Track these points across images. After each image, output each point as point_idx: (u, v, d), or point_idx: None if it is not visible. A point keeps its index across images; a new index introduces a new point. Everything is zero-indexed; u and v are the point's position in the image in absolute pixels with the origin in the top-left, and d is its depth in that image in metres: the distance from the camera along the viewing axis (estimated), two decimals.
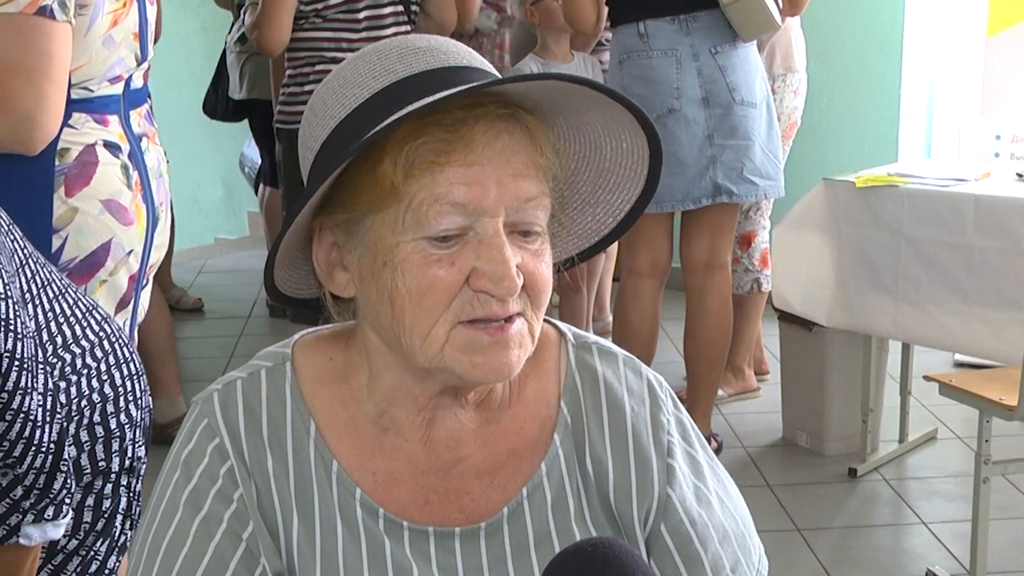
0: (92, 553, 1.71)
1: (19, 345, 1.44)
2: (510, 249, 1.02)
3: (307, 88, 3.56)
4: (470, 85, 1.01)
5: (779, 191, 3.48)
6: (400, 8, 3.61)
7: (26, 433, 1.46)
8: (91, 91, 2.06)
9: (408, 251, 1.02)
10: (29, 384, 1.46)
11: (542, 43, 4.00)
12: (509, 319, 1.04)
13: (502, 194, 1.02)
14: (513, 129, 1.03)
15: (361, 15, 3.55)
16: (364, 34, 3.55)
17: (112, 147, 2.08)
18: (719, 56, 3.29)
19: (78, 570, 1.71)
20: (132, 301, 2.16)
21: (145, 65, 2.20)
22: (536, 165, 1.05)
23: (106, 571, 1.74)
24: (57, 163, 1.99)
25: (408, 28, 3.62)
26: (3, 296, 1.43)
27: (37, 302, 1.59)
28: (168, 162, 2.29)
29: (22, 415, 1.45)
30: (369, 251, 1.05)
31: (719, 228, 3.48)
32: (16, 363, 1.44)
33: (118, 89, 2.11)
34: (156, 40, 3.43)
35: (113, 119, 2.10)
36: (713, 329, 3.52)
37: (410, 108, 0.99)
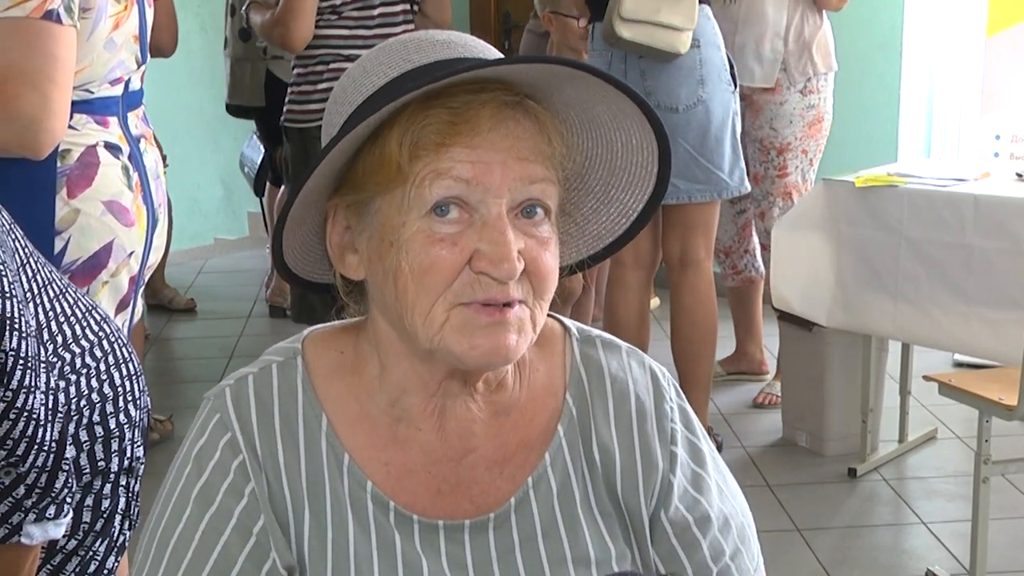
0: (91, 553, 1.71)
1: (23, 344, 1.45)
2: (512, 233, 1.03)
3: (320, 87, 3.54)
4: (470, 67, 1.02)
5: (710, 196, 3.48)
6: (408, 6, 3.63)
7: (29, 432, 1.47)
8: (91, 92, 2.06)
9: (413, 230, 1.03)
10: (33, 383, 1.46)
11: (558, 51, 4.05)
12: (509, 304, 1.04)
13: (506, 175, 1.03)
14: (520, 116, 1.04)
15: (376, 11, 3.56)
16: (377, 31, 3.55)
17: (113, 148, 2.08)
18: (642, 61, 3.37)
19: (77, 570, 1.71)
20: (131, 302, 2.17)
21: (144, 67, 2.21)
22: (543, 152, 1.05)
23: (105, 571, 1.74)
24: (59, 164, 2.00)
25: (413, 27, 3.63)
26: (8, 295, 1.44)
27: (38, 301, 1.59)
28: (167, 165, 2.29)
29: (26, 414, 1.46)
30: (377, 232, 1.06)
31: (689, 225, 3.52)
32: (21, 362, 1.44)
33: (118, 91, 2.12)
34: (172, 50, 3.41)
35: (112, 120, 2.10)
36: (688, 324, 3.55)
37: (415, 90, 1.00)
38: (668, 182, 1.15)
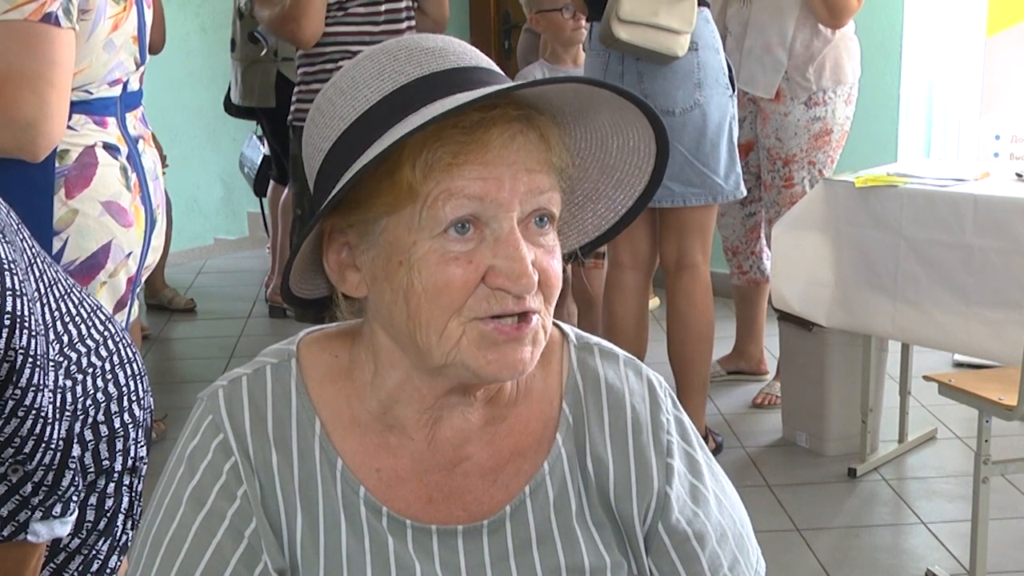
0: (94, 552, 1.72)
1: (33, 342, 1.45)
2: (525, 246, 1.03)
3: None
4: (493, 88, 1.01)
5: (704, 199, 3.46)
6: (411, 2, 3.64)
7: (36, 430, 1.47)
8: (90, 93, 2.06)
9: (425, 250, 1.03)
10: (41, 381, 1.47)
11: (552, 51, 4.03)
12: (524, 316, 1.04)
13: (516, 187, 1.03)
14: (527, 130, 1.04)
15: (382, 7, 3.56)
16: (384, 27, 3.55)
17: (111, 149, 2.08)
18: (640, 63, 3.37)
19: (79, 569, 1.71)
20: (128, 303, 2.17)
21: (143, 68, 2.20)
22: (548, 162, 1.06)
23: (107, 571, 1.74)
24: (57, 165, 2.00)
25: (415, 23, 3.65)
26: (19, 293, 1.44)
27: (44, 301, 1.59)
28: (167, 165, 2.29)
29: (34, 412, 1.46)
30: (384, 251, 1.05)
31: (685, 229, 3.52)
32: (30, 360, 1.45)
33: (116, 92, 2.12)
34: (161, 47, 3.40)
35: (111, 121, 2.10)
36: (683, 328, 3.55)
37: (434, 114, 0.99)
38: (661, 180, 1.15)
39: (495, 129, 1.02)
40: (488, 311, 1.03)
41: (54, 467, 1.50)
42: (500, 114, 1.03)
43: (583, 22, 3.80)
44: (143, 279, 2.24)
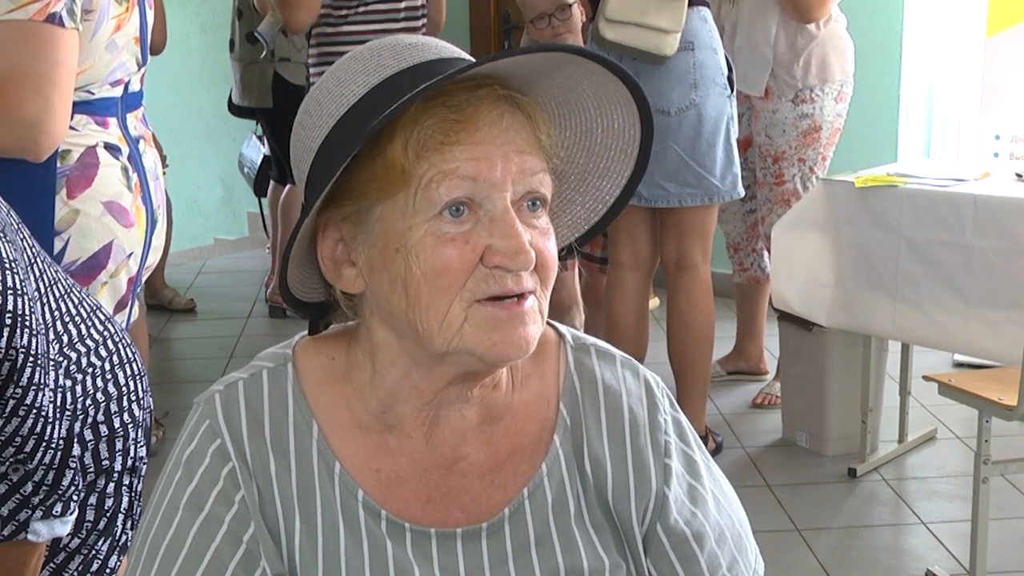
0: (94, 552, 1.72)
1: (33, 341, 1.45)
2: (520, 225, 1.03)
3: None
4: (482, 59, 1.02)
5: (700, 200, 3.46)
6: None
7: (37, 429, 1.47)
8: (92, 93, 2.06)
9: (421, 233, 1.03)
10: (42, 380, 1.47)
11: None
12: (522, 295, 1.04)
13: (508, 167, 1.03)
14: (515, 111, 1.05)
15: (402, 4, 3.58)
16: (403, 24, 3.57)
17: (112, 149, 2.09)
18: (636, 63, 3.37)
19: (79, 569, 1.71)
20: (129, 303, 2.17)
21: (144, 69, 2.21)
22: (537, 143, 1.06)
23: (107, 570, 1.74)
24: (59, 165, 2.00)
25: (426, 20, 3.68)
26: (20, 292, 1.44)
27: (44, 300, 1.60)
28: (167, 165, 2.29)
29: (35, 411, 1.46)
30: (379, 240, 1.05)
31: (685, 229, 3.52)
32: (31, 359, 1.45)
33: (118, 92, 2.12)
34: (162, 48, 3.40)
35: (112, 121, 2.10)
36: (683, 328, 3.55)
37: (423, 86, 0.99)
38: (647, 162, 1.15)
39: (483, 107, 1.03)
40: (487, 291, 1.03)
41: (54, 466, 1.50)
42: (487, 92, 1.04)
43: (562, 27, 3.78)
44: (144, 279, 2.24)
